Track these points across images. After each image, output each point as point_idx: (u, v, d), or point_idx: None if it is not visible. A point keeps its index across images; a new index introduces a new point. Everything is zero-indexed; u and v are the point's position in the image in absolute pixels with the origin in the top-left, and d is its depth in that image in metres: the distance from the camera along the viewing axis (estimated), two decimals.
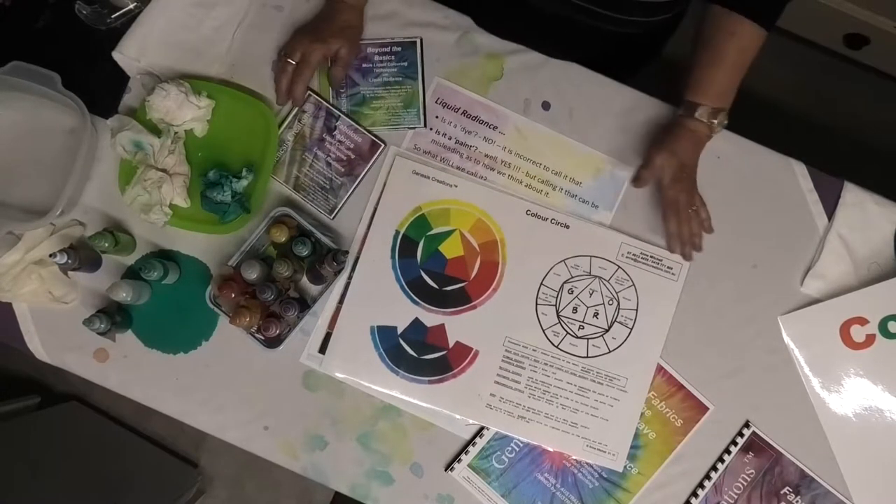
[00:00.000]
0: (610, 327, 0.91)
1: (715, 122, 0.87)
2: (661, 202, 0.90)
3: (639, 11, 0.88)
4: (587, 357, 0.90)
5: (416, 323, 0.90)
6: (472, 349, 0.90)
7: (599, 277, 0.92)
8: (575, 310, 0.91)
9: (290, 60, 0.89)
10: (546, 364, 0.90)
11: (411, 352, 0.89)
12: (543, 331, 0.90)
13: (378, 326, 0.90)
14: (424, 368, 0.89)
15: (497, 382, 0.89)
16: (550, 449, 0.89)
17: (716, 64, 0.86)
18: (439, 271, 0.91)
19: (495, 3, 0.94)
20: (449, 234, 0.92)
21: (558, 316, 0.91)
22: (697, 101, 0.87)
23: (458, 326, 0.90)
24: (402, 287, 0.91)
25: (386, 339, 0.89)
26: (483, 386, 0.89)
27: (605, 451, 0.89)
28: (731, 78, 0.87)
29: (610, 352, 0.90)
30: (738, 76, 0.87)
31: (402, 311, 0.90)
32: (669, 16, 0.91)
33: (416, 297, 0.90)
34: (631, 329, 0.91)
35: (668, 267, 0.92)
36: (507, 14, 0.95)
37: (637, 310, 0.91)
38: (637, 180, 0.89)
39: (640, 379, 0.90)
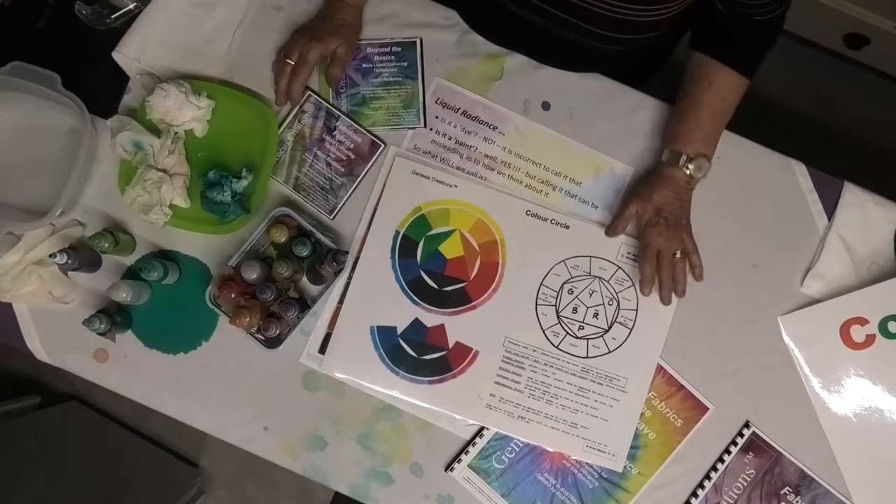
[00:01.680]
0: (610, 327, 0.91)
1: (691, 167, 0.86)
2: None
3: (620, 30, 0.85)
4: (587, 357, 0.90)
5: (416, 323, 0.90)
6: (471, 349, 0.90)
7: (599, 278, 0.92)
8: (575, 310, 0.91)
9: (288, 60, 0.89)
10: (546, 364, 0.90)
11: (411, 352, 0.89)
12: (543, 331, 0.90)
13: (378, 326, 0.90)
14: (424, 368, 0.89)
15: (497, 383, 0.89)
16: (550, 449, 0.89)
17: (693, 111, 0.87)
18: (439, 271, 0.91)
19: (486, 14, 0.93)
20: (449, 234, 0.92)
21: (558, 316, 0.91)
22: (673, 147, 0.88)
23: (457, 326, 0.90)
24: (402, 287, 0.90)
25: (386, 339, 0.89)
26: (483, 386, 0.89)
27: (604, 452, 0.89)
28: (709, 125, 0.87)
29: (610, 352, 0.90)
30: (718, 123, 0.88)
31: (402, 312, 0.90)
32: (659, 34, 0.88)
33: (415, 298, 0.90)
34: (631, 329, 0.91)
35: None
36: (498, 26, 0.94)
37: (637, 310, 0.91)
38: (609, 230, 0.91)
39: (639, 379, 0.90)
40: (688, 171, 0.86)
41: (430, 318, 0.90)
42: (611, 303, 0.91)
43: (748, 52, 0.86)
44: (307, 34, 0.89)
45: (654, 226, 0.88)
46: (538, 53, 0.95)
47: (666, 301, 0.90)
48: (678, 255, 0.88)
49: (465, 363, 0.89)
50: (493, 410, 0.89)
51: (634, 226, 0.92)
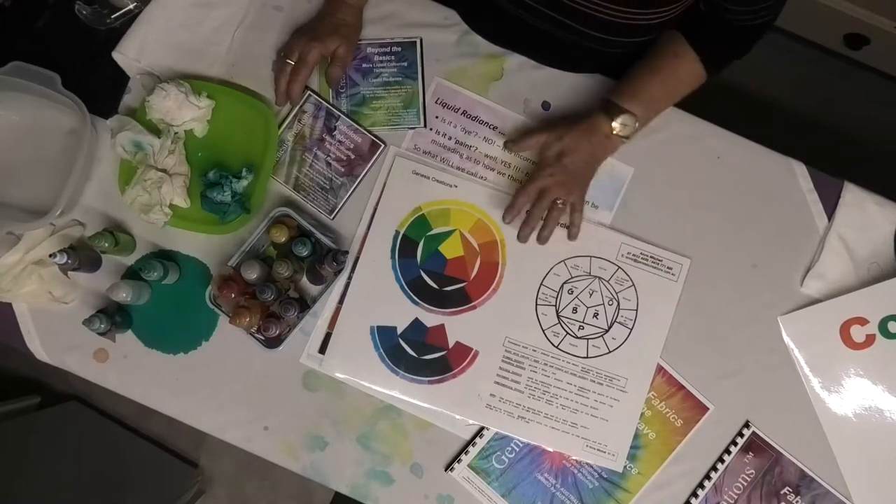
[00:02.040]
0: (610, 327, 0.91)
1: (617, 122, 0.84)
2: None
3: (618, 33, 0.84)
4: (587, 357, 0.90)
5: (416, 323, 0.90)
6: (471, 349, 0.90)
7: (599, 278, 0.92)
8: (575, 310, 0.91)
9: (287, 60, 0.89)
10: (546, 364, 0.90)
11: (411, 352, 0.89)
12: (543, 331, 0.90)
13: (378, 326, 0.90)
14: (424, 368, 0.89)
15: (497, 383, 0.89)
16: (550, 449, 0.89)
17: (646, 74, 0.86)
18: (439, 271, 0.91)
19: (486, 15, 0.93)
20: (449, 234, 0.92)
21: (558, 316, 0.91)
22: (610, 97, 0.86)
23: (457, 326, 0.90)
24: (402, 287, 0.90)
25: (386, 339, 0.89)
26: (483, 386, 0.89)
27: (604, 452, 0.89)
28: (655, 92, 0.85)
29: (610, 352, 0.90)
30: (664, 95, 0.86)
31: (402, 312, 0.90)
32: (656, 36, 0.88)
33: (415, 298, 0.90)
34: (631, 329, 0.91)
35: (667, 267, 0.92)
36: (497, 27, 0.94)
37: (637, 310, 0.91)
38: (508, 143, 0.91)
39: (639, 379, 0.90)
40: (613, 125, 0.84)
41: (430, 318, 0.90)
42: (611, 303, 0.91)
43: (717, 53, 0.85)
44: (307, 34, 0.89)
45: (549, 165, 0.86)
46: (537, 54, 0.95)
47: (522, 239, 0.88)
48: (560, 204, 0.86)
49: (464, 363, 0.89)
50: (493, 410, 0.89)
51: (534, 156, 0.90)
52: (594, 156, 0.86)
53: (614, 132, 0.85)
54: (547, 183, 0.85)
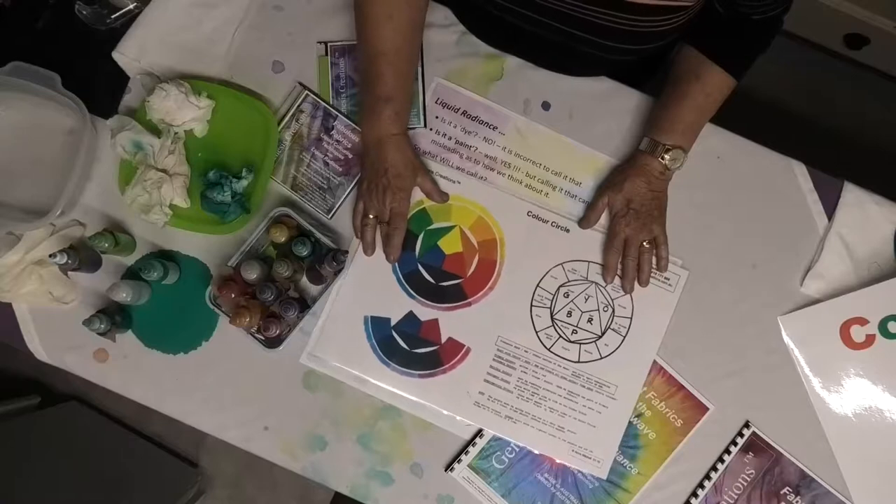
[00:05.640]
0: (603, 333, 0.91)
1: (667, 158, 0.86)
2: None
3: (630, 41, 0.83)
4: (578, 362, 0.90)
5: (411, 316, 0.90)
6: (464, 346, 0.90)
7: (596, 283, 0.92)
8: (569, 314, 0.91)
9: (371, 216, 0.88)
10: (537, 366, 0.90)
11: (403, 344, 0.89)
12: (536, 332, 0.90)
13: (372, 317, 0.90)
14: (415, 362, 0.89)
15: (486, 381, 0.89)
16: (536, 451, 0.89)
17: (677, 103, 0.86)
18: (437, 266, 0.91)
19: (491, 23, 0.92)
20: (449, 229, 0.92)
21: (552, 319, 0.91)
22: (651, 136, 0.87)
23: (451, 322, 0.90)
24: (398, 279, 0.90)
25: (379, 329, 0.89)
26: (472, 383, 0.89)
27: (590, 458, 0.88)
28: (691, 119, 0.86)
29: (602, 358, 0.90)
30: (699, 118, 0.87)
31: (398, 303, 0.90)
32: (665, 43, 0.87)
33: (412, 291, 0.90)
34: (624, 337, 0.91)
35: (665, 277, 0.92)
36: (503, 40, 0.94)
37: (631, 318, 0.91)
38: (582, 221, 0.92)
39: (630, 387, 0.90)
40: (663, 162, 0.86)
41: (425, 312, 0.90)
42: (606, 309, 0.91)
43: (739, 53, 0.85)
44: (381, 193, 0.87)
45: (622, 216, 0.88)
46: (542, 63, 0.95)
47: (626, 289, 0.90)
48: (646, 246, 0.89)
49: (456, 359, 0.89)
50: (480, 408, 0.89)
51: (607, 216, 0.91)
52: (656, 191, 0.88)
53: (668, 169, 0.87)
54: (626, 232, 0.88)
